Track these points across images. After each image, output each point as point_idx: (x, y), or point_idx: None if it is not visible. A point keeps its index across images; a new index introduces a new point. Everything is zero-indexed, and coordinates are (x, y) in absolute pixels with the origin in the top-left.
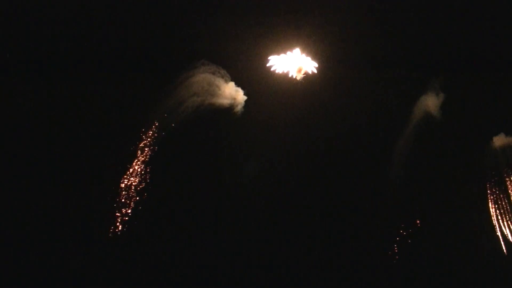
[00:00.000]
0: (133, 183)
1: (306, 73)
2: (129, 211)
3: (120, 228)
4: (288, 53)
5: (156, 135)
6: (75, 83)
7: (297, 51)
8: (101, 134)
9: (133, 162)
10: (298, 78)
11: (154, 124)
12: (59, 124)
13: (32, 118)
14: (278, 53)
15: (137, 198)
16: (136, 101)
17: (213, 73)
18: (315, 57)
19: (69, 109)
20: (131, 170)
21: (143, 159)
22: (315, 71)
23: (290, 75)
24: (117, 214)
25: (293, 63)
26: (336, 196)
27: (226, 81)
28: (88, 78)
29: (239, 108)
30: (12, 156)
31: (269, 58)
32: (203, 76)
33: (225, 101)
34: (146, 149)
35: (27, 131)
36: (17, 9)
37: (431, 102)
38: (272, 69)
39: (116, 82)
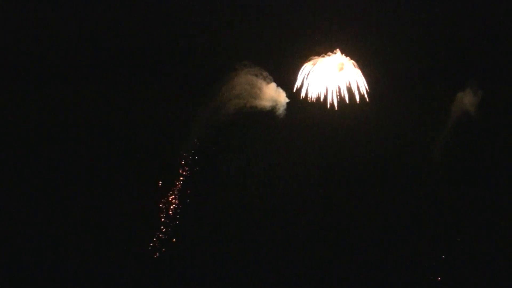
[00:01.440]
0: (177, 189)
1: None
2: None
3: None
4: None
5: (199, 137)
6: (117, 85)
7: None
8: (144, 137)
9: (177, 165)
10: (339, 74)
11: (198, 125)
12: (102, 126)
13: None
14: (319, 54)
15: (180, 205)
16: (180, 102)
17: (256, 75)
18: (357, 58)
19: (111, 111)
20: (174, 172)
21: (186, 162)
22: (367, 98)
23: (328, 101)
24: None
25: (334, 62)
26: (375, 196)
27: (268, 83)
28: (131, 79)
29: (281, 110)
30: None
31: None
32: (245, 78)
33: (267, 104)
34: (191, 150)
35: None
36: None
37: (468, 100)
38: (303, 94)
39: (160, 83)
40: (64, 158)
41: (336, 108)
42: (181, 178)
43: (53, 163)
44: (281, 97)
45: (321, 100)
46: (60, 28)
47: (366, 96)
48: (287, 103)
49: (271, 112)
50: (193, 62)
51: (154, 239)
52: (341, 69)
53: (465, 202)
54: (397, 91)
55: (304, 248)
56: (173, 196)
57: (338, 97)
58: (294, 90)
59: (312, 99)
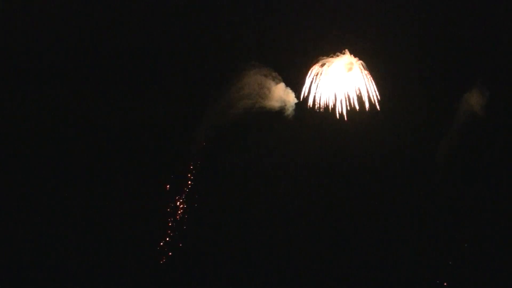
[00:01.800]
0: (185, 192)
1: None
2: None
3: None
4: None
5: (206, 138)
6: (125, 87)
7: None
8: (151, 139)
9: (185, 167)
10: (348, 76)
11: (206, 126)
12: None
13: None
14: (327, 54)
15: (188, 209)
16: (188, 102)
17: (265, 76)
18: (365, 58)
19: (118, 113)
20: (181, 175)
21: (195, 164)
22: (378, 107)
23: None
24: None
25: (342, 64)
26: (383, 199)
27: (277, 83)
28: (139, 80)
29: (290, 111)
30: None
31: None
32: (254, 78)
33: (276, 104)
34: (198, 152)
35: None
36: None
37: (475, 101)
38: (311, 102)
39: (168, 83)
40: (69, 161)
41: (346, 118)
42: (189, 182)
43: (58, 165)
44: (290, 98)
45: (330, 109)
46: (72, 30)
47: (376, 104)
48: (296, 104)
49: (280, 112)
50: (200, 63)
51: (161, 244)
52: (350, 69)
53: (474, 205)
54: (402, 92)
55: (316, 251)
56: (181, 200)
57: (348, 105)
58: (301, 99)
59: (321, 109)
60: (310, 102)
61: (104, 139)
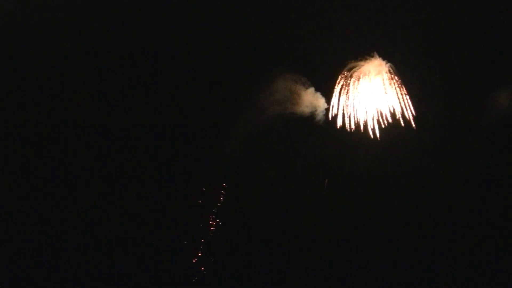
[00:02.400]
0: (216, 205)
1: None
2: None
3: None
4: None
5: (238, 146)
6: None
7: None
8: (180, 144)
9: (215, 176)
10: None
11: (237, 134)
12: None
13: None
14: (356, 57)
15: (220, 222)
16: (217, 107)
17: (295, 81)
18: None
19: (144, 121)
20: (212, 186)
21: (224, 173)
22: (413, 124)
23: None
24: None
25: (372, 66)
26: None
27: (306, 88)
28: (167, 86)
29: (320, 116)
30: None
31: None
32: (284, 84)
33: (306, 110)
34: (229, 161)
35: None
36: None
37: (503, 101)
38: (340, 122)
39: (198, 90)
40: (96, 171)
41: (378, 138)
42: (222, 191)
43: (88, 175)
44: (320, 103)
45: (362, 126)
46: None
47: (412, 121)
48: (326, 109)
49: (311, 118)
50: (231, 69)
51: (194, 261)
52: (379, 72)
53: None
54: (430, 92)
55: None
56: (214, 211)
57: (380, 118)
58: (331, 118)
59: (352, 128)
60: (340, 115)
61: (132, 149)
